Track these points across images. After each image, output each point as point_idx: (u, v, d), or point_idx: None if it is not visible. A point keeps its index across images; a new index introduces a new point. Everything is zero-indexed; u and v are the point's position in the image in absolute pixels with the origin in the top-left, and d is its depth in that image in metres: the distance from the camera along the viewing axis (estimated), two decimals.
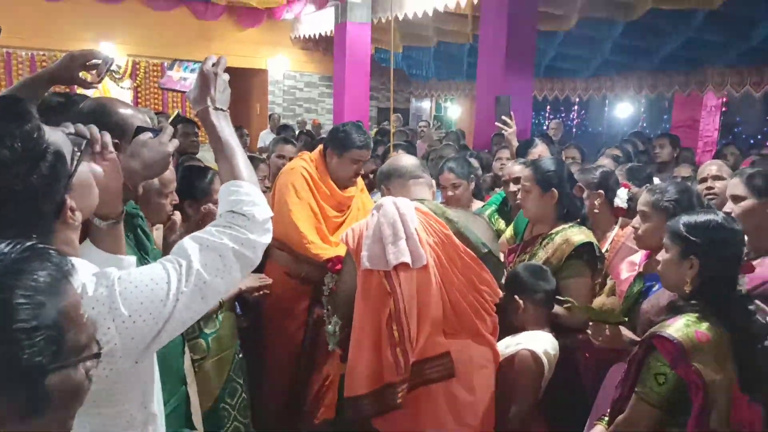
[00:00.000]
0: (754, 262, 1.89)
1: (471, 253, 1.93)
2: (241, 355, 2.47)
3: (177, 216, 2.04)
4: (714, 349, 1.52)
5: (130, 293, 1.02)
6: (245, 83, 11.61)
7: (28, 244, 0.74)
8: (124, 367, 1.04)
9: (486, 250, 1.96)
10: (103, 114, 1.39)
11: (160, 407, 1.31)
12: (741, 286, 1.64)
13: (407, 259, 1.83)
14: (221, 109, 1.29)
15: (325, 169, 2.83)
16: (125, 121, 1.42)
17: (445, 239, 1.93)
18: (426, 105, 13.49)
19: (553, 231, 2.38)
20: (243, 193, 1.19)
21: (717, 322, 1.56)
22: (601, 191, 2.52)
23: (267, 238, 1.20)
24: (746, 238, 1.68)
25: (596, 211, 2.54)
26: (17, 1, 8.62)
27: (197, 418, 2.04)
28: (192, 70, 1.39)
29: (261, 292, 2.49)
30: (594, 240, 2.33)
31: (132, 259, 1.30)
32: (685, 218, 1.67)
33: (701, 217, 1.65)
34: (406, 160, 2.18)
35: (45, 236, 0.95)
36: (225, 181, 1.23)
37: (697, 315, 1.58)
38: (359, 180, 2.97)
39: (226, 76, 1.33)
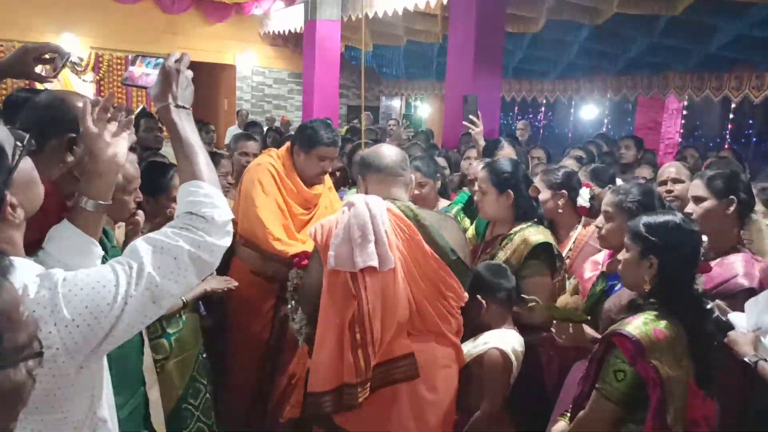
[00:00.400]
0: (714, 263, 1.95)
1: (439, 259, 1.94)
2: (204, 356, 2.44)
3: (141, 216, 1.99)
4: (671, 346, 1.55)
5: (74, 296, 0.99)
6: (213, 79, 11.43)
7: None
8: (67, 371, 1.01)
9: (455, 257, 1.97)
10: (60, 108, 1.34)
11: (111, 412, 1.27)
12: (698, 286, 1.68)
13: (374, 263, 1.82)
14: (183, 107, 1.26)
15: (292, 166, 2.80)
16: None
17: (414, 244, 1.92)
18: (396, 103, 13.51)
19: (512, 231, 2.40)
20: (202, 194, 1.16)
21: (675, 320, 1.60)
22: (564, 191, 2.56)
23: (226, 242, 1.17)
24: (706, 238, 1.73)
25: (560, 210, 2.57)
26: None
27: (159, 419, 2.00)
28: (155, 66, 1.35)
29: (225, 289, 2.46)
30: (552, 239, 2.36)
31: (100, 251, 1.26)
32: (645, 219, 1.71)
33: (660, 218, 1.69)
34: (388, 155, 2.07)
35: None
36: (185, 181, 1.19)
37: (655, 313, 1.61)
38: (327, 177, 2.95)
39: (190, 74, 1.30)
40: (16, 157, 0.95)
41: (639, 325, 1.58)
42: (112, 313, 1.01)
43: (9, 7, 8.82)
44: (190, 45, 9.97)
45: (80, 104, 1.37)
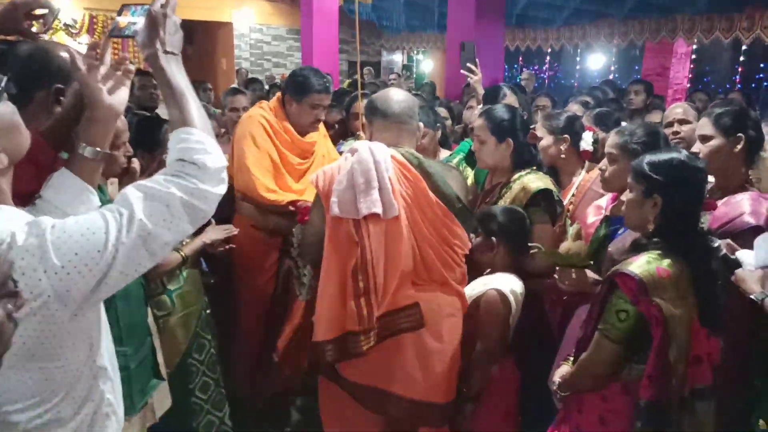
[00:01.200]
0: (720, 201, 1.91)
1: (444, 207, 1.91)
2: (208, 311, 2.44)
3: (136, 164, 1.96)
4: (674, 284, 1.53)
5: (63, 243, 0.97)
6: (209, 37, 11.22)
7: None
8: (61, 320, 1.00)
9: (460, 205, 1.94)
10: (44, 58, 1.30)
11: (112, 360, 1.27)
12: (703, 224, 1.65)
13: (378, 209, 1.79)
14: (172, 53, 1.21)
15: (284, 116, 2.74)
16: (68, 65, 1.33)
17: (419, 191, 1.89)
18: (398, 58, 13.26)
19: (512, 179, 2.36)
20: (194, 140, 1.12)
21: (678, 259, 1.57)
22: (567, 136, 2.50)
23: (221, 189, 1.13)
24: (713, 177, 1.68)
25: (562, 156, 2.52)
26: None
27: (163, 371, 2.02)
28: (141, 14, 1.29)
29: (227, 246, 2.44)
30: (552, 185, 2.32)
31: (97, 200, 1.24)
32: (648, 157, 1.66)
33: (664, 156, 1.64)
34: (396, 101, 1.99)
35: None
36: (175, 128, 1.16)
37: (659, 252, 1.58)
38: (321, 126, 2.89)
39: (177, 19, 1.24)
40: None
41: (642, 264, 1.55)
42: (103, 260, 0.99)
43: None
44: (185, 2, 9.70)
45: (65, 54, 1.33)
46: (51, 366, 1.05)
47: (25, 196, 1.15)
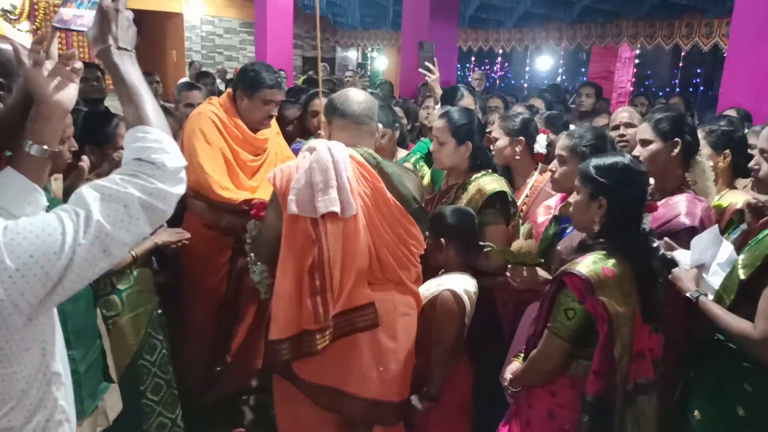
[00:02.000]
0: (659, 203, 2.01)
1: (401, 207, 1.93)
2: (160, 311, 2.39)
3: (85, 161, 1.90)
4: (619, 283, 1.60)
5: (17, 245, 0.94)
6: (158, 28, 10.89)
7: None
8: (15, 324, 0.97)
9: (416, 206, 1.97)
10: None
11: (65, 365, 1.24)
12: (645, 225, 1.72)
13: (336, 208, 1.80)
14: (125, 49, 1.18)
15: (235, 112, 2.69)
16: (10, 58, 1.28)
17: (377, 191, 1.90)
18: (352, 55, 13.23)
19: (467, 180, 2.41)
20: (151, 139, 1.10)
21: (622, 259, 1.65)
22: (522, 138, 2.57)
23: (180, 189, 1.11)
24: (653, 180, 1.77)
25: (517, 157, 2.59)
26: None
27: (113, 373, 1.97)
28: (88, 6, 1.25)
29: (178, 243, 2.39)
30: (506, 188, 2.38)
31: (44, 200, 1.19)
32: (594, 161, 1.73)
33: (609, 159, 1.71)
34: (356, 102, 1.99)
35: None
36: (131, 126, 1.13)
37: (604, 252, 1.66)
38: (273, 123, 2.86)
39: (129, 14, 1.21)
40: None
41: (588, 264, 1.62)
42: (60, 262, 0.96)
43: None
44: None
45: (6, 47, 1.27)
46: (4, 372, 1.02)
47: None
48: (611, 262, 1.63)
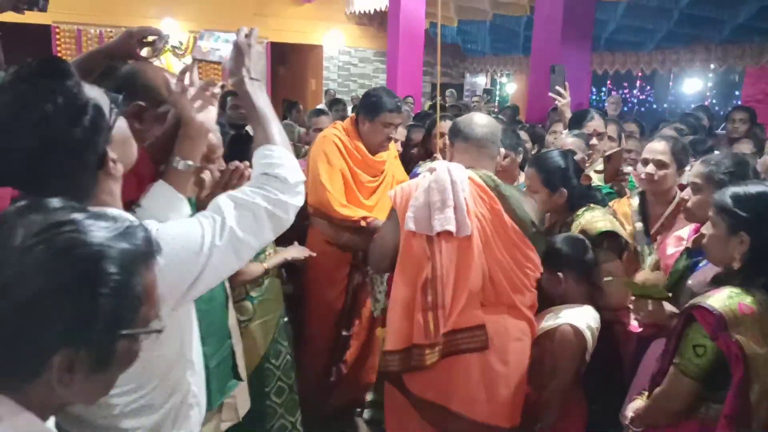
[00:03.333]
0: None
1: (519, 230, 1.93)
2: (286, 320, 2.56)
3: (207, 175, 2.11)
4: (758, 322, 1.46)
5: (166, 244, 1.07)
6: (301, 59, 11.72)
7: (128, 223, 0.79)
8: (162, 314, 1.11)
9: (534, 230, 1.96)
10: (133, 77, 1.43)
11: (198, 358, 1.38)
12: None
13: (452, 227, 1.84)
14: (256, 79, 1.34)
15: (357, 135, 2.85)
16: (154, 84, 1.42)
17: (494, 213, 1.92)
18: (481, 80, 13.26)
19: (569, 219, 2.31)
20: (275, 156, 1.24)
21: (764, 296, 1.50)
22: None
23: (298, 200, 1.25)
24: None
25: (670, 184, 2.38)
26: None
27: (243, 373, 2.14)
28: (225, 41, 1.43)
29: (304, 257, 2.57)
30: (615, 225, 2.22)
31: (188, 209, 1.37)
32: (732, 190, 1.59)
33: (750, 189, 1.57)
34: (479, 125, 2.04)
35: (89, 186, 1.01)
36: (259, 145, 1.28)
37: (742, 287, 1.52)
38: (392, 146, 2.98)
39: (260, 48, 1.38)
40: (113, 116, 1.05)
41: (723, 299, 1.50)
42: (199, 260, 1.10)
43: None
44: (280, 26, 10.29)
45: (158, 76, 1.44)
46: (149, 355, 1.16)
47: (125, 204, 1.28)
48: (749, 299, 1.49)
